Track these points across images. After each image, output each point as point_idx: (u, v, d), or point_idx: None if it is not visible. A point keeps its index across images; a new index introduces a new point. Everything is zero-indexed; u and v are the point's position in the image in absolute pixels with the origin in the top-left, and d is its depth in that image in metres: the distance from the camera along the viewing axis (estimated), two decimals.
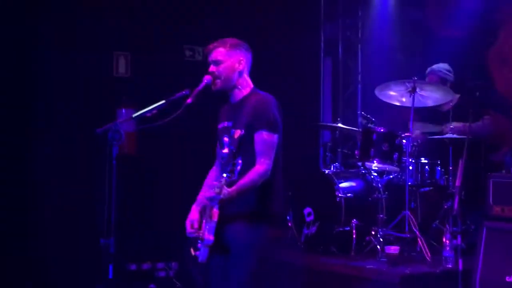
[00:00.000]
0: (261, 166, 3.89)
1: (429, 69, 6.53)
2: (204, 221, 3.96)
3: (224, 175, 3.67)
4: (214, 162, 4.33)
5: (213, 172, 4.29)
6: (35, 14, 6.56)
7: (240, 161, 3.79)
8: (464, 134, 5.38)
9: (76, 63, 6.72)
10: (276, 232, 4.07)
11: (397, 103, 6.18)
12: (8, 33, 6.42)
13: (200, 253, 3.99)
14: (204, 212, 4.01)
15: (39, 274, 6.36)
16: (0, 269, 6.21)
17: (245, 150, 3.87)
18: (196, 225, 4.02)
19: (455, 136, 5.76)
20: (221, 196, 3.64)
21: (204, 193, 4.17)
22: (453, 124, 5.89)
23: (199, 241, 4.01)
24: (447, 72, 6.45)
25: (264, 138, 3.93)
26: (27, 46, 6.54)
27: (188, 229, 4.04)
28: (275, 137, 3.96)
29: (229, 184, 3.73)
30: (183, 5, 7.27)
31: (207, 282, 4.14)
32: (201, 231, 3.95)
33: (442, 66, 6.47)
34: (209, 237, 3.87)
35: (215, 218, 3.86)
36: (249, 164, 3.85)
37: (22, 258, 6.32)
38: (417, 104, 5.90)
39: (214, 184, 3.64)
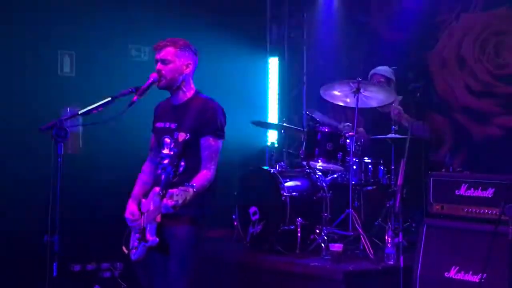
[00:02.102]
0: (209, 172, 4.00)
1: (372, 71, 6.64)
2: (144, 219, 4.02)
3: (190, 189, 3.68)
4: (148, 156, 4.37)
5: (146, 168, 4.35)
6: None
7: (183, 163, 3.95)
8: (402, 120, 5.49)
9: (21, 61, 6.62)
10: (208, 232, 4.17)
11: (341, 104, 6.27)
12: None
13: (136, 252, 4.06)
14: (142, 209, 4.08)
15: None
16: None
17: (188, 153, 4.00)
18: (136, 215, 4.08)
19: (397, 136, 5.87)
20: (179, 204, 3.65)
21: (138, 190, 4.27)
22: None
23: (136, 239, 4.07)
24: (391, 74, 6.57)
25: (211, 144, 4.03)
26: None
27: (130, 218, 4.10)
28: (220, 143, 4.08)
29: (171, 185, 3.82)
30: (130, 4, 7.23)
31: (150, 279, 4.18)
32: (141, 228, 4.01)
33: (385, 68, 6.59)
34: (153, 238, 3.96)
35: (159, 219, 3.96)
36: (191, 166, 3.98)
37: None
38: (361, 105, 6.01)
39: (172, 192, 3.64)
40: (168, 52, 4.09)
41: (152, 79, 4.04)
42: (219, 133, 4.07)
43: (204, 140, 4.03)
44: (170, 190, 3.67)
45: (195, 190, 3.68)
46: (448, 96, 6.68)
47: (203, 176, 3.97)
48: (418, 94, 5.62)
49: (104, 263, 6.95)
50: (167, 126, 4.14)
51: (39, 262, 4.08)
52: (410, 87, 5.86)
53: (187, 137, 3.99)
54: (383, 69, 6.59)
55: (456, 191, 4.84)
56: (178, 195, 3.62)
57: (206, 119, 4.03)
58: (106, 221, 6.80)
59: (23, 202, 6.31)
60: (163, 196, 3.78)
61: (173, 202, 3.63)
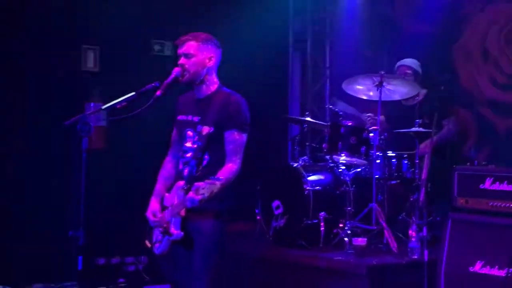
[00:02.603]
0: (234, 165, 3.98)
1: (399, 62, 6.59)
2: (168, 214, 4.00)
3: (218, 180, 3.65)
4: (168, 151, 4.38)
5: (168, 163, 4.34)
6: (5, 7, 6.50)
7: (206, 157, 3.93)
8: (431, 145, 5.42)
9: (45, 57, 6.67)
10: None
11: (364, 97, 6.24)
12: None
13: (160, 245, 4.06)
14: (164, 203, 4.08)
15: (8, 265, 6.32)
16: None
17: (212, 147, 3.97)
18: (158, 215, 4.08)
19: (421, 129, 5.83)
20: (205, 197, 3.63)
21: (160, 185, 4.26)
22: (421, 146, 5.96)
23: (159, 233, 4.07)
24: (418, 67, 6.52)
25: (235, 138, 4.01)
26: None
27: (151, 219, 4.11)
28: (245, 137, 4.05)
29: (195, 179, 3.79)
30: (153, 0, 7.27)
31: (174, 273, 4.19)
32: (165, 224, 3.99)
33: (412, 61, 6.54)
34: (178, 232, 3.94)
35: (183, 214, 3.94)
36: (214, 160, 3.95)
37: None
38: (384, 98, 5.97)
39: (198, 186, 3.61)
40: (191, 46, 4.08)
41: (175, 73, 4.04)
42: (244, 127, 4.05)
43: (228, 134, 4.01)
44: (196, 184, 3.64)
45: (221, 183, 3.66)
46: (473, 89, 6.62)
47: (229, 169, 3.95)
48: (442, 87, 5.57)
49: (128, 257, 7.02)
50: (190, 119, 4.13)
51: (65, 256, 4.12)
52: (434, 81, 5.81)
53: (211, 130, 3.97)
54: (410, 61, 6.54)
55: (481, 185, 4.79)
56: (204, 189, 3.58)
57: (231, 112, 4.02)
58: (130, 215, 6.83)
59: (48, 197, 6.37)
60: (188, 190, 3.76)
61: (199, 196, 3.60)
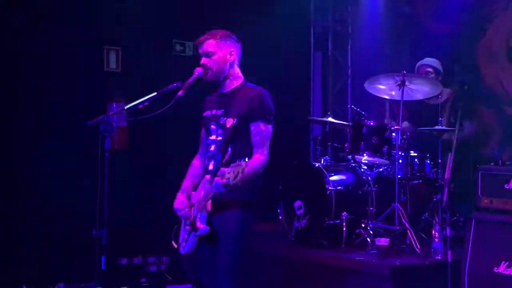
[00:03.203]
0: (261, 156, 3.94)
1: (420, 62, 6.55)
2: (194, 210, 3.97)
3: (244, 161, 3.57)
4: (198, 150, 4.35)
5: (196, 161, 4.32)
6: (26, 10, 6.55)
7: (229, 150, 3.90)
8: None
9: (68, 58, 6.72)
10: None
11: (387, 97, 6.21)
12: (1, 27, 6.43)
13: (186, 244, 4.02)
14: (191, 200, 4.04)
15: (32, 265, 6.36)
16: None
17: (236, 139, 3.95)
18: (185, 204, 4.06)
19: (444, 128, 5.79)
20: (231, 183, 3.57)
21: (187, 182, 4.23)
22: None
23: (186, 231, 4.04)
24: (440, 66, 6.48)
25: (261, 129, 3.98)
26: (17, 41, 6.52)
27: (179, 208, 4.07)
28: (270, 128, 4.02)
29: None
30: (173, 0, 7.28)
31: (197, 273, 4.15)
32: (191, 219, 3.96)
33: (433, 60, 6.50)
34: (204, 226, 3.90)
35: (209, 208, 3.90)
36: (238, 153, 3.88)
37: (15, 249, 6.33)
38: (406, 97, 5.94)
39: (224, 171, 3.56)
40: (210, 44, 4.08)
41: (197, 73, 4.04)
42: (269, 118, 4.01)
43: (254, 126, 3.97)
44: (221, 169, 3.60)
45: (249, 169, 3.60)
46: (497, 88, 6.56)
47: (256, 160, 3.91)
48: (466, 86, 5.52)
49: (151, 256, 7.03)
50: (214, 113, 4.12)
51: (88, 256, 4.13)
52: (457, 80, 5.77)
53: (235, 121, 3.96)
54: (431, 60, 6.50)
55: (505, 185, 4.74)
56: (230, 172, 3.53)
57: (255, 104, 3.98)
58: (152, 215, 6.89)
59: (71, 197, 6.41)
60: (212, 182, 3.75)
61: (224, 180, 3.56)
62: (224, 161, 3.88)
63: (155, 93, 4.00)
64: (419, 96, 6.13)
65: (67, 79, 6.71)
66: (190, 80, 4.02)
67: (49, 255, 6.43)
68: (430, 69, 6.44)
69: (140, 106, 3.97)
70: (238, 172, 3.54)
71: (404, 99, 5.87)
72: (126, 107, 4.00)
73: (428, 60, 6.51)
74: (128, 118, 5.60)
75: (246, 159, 3.58)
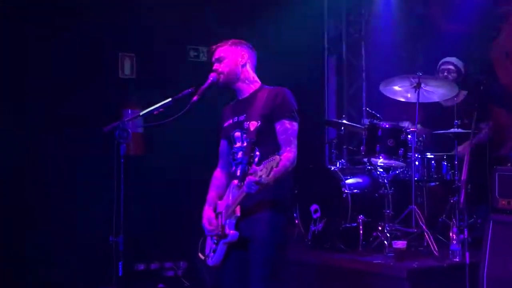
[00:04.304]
0: (289, 153, 3.82)
1: (443, 60, 6.50)
2: (222, 218, 3.89)
3: (277, 156, 3.47)
4: (217, 163, 4.27)
5: (218, 173, 4.22)
6: (43, 16, 6.60)
7: (258, 153, 3.79)
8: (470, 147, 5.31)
9: (82, 64, 6.75)
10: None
11: (402, 99, 6.19)
12: (16, 34, 6.48)
13: (215, 255, 3.91)
14: (217, 210, 3.96)
15: (50, 272, 6.40)
16: (8, 268, 6.25)
17: (262, 142, 3.86)
18: (214, 223, 3.94)
19: (460, 130, 5.76)
20: (264, 181, 3.48)
21: (212, 193, 4.12)
22: (460, 148, 5.89)
23: (213, 241, 3.94)
24: (462, 66, 6.44)
25: (287, 127, 3.89)
26: (32, 48, 6.57)
27: (207, 227, 3.96)
28: (295, 125, 3.93)
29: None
30: (187, 6, 7.30)
31: (218, 282, 4.05)
32: (220, 228, 3.87)
33: (455, 59, 6.45)
34: (233, 232, 3.80)
35: (238, 213, 3.79)
36: (265, 155, 3.70)
37: (32, 256, 6.37)
38: (422, 99, 5.92)
39: (256, 169, 3.47)
40: (221, 50, 4.08)
41: (211, 78, 4.02)
42: (293, 115, 3.92)
43: (279, 125, 3.89)
44: (253, 167, 3.53)
45: (281, 160, 3.49)
46: None
47: (285, 158, 3.77)
48: (482, 87, 5.49)
49: (167, 262, 7.04)
50: (235, 120, 4.05)
51: (105, 262, 4.14)
52: (472, 81, 5.74)
53: (259, 124, 3.88)
54: (454, 59, 6.46)
55: None
56: (262, 170, 3.45)
57: (278, 103, 3.91)
58: (169, 220, 6.91)
59: (88, 203, 6.44)
60: (241, 186, 3.67)
61: (256, 178, 3.47)
62: (253, 164, 3.70)
63: (170, 99, 4.00)
64: (435, 98, 6.10)
65: (82, 86, 6.75)
66: (205, 85, 4.01)
67: (67, 261, 6.46)
68: (451, 67, 6.40)
69: (155, 112, 3.97)
70: (271, 167, 3.45)
71: (420, 101, 5.85)
72: (141, 113, 4.00)
73: (451, 58, 6.47)
74: (144, 124, 5.62)
75: (279, 153, 3.51)
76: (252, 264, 3.83)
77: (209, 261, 3.97)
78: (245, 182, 3.61)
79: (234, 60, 4.05)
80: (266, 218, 3.83)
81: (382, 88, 6.13)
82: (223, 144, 4.19)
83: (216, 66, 4.07)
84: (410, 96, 6.05)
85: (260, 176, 3.46)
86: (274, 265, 3.84)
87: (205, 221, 3.99)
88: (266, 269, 3.81)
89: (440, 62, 6.51)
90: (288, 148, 3.85)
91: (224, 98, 4.28)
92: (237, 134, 3.99)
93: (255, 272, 3.82)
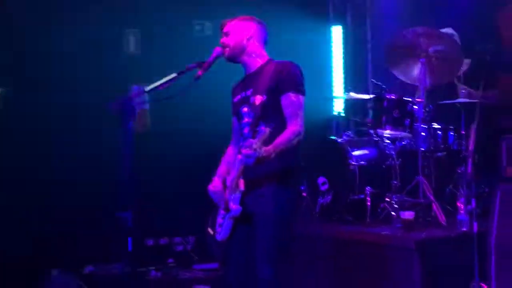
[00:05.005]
0: (295, 127, 3.82)
1: None
2: (227, 192, 3.89)
3: (267, 128, 3.49)
4: (231, 139, 4.29)
5: (230, 149, 4.24)
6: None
7: (262, 128, 3.68)
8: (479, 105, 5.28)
9: (87, 42, 6.74)
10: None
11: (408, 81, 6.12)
12: (18, 16, 6.46)
13: (222, 229, 3.93)
14: (226, 184, 3.96)
15: (60, 249, 6.45)
16: (20, 244, 6.30)
17: (268, 116, 3.82)
18: (219, 187, 3.97)
19: (466, 100, 5.73)
20: (258, 153, 3.49)
21: (222, 168, 4.14)
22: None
23: (221, 216, 3.96)
24: (457, 37, 6.38)
25: (292, 100, 3.87)
26: (36, 28, 6.56)
27: (212, 189, 4.00)
28: (302, 98, 3.91)
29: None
30: None
31: (226, 256, 4.08)
32: (225, 201, 3.89)
33: (446, 31, 6.40)
34: (236, 207, 3.80)
35: (242, 187, 3.79)
36: (272, 129, 3.66)
37: (42, 234, 6.42)
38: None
39: (251, 142, 3.49)
40: (229, 25, 4.09)
41: (216, 53, 4.03)
42: (299, 87, 3.91)
43: (285, 98, 3.87)
44: (248, 140, 3.55)
45: (271, 130, 3.50)
46: None
47: (290, 130, 3.79)
48: (488, 57, 5.45)
49: (176, 237, 7.08)
50: (243, 95, 4.04)
51: (115, 238, 4.17)
52: (478, 49, 5.67)
53: (264, 98, 3.86)
54: (446, 30, 6.39)
55: None
56: (256, 143, 3.45)
57: (283, 76, 3.89)
58: (177, 196, 6.93)
59: (95, 180, 6.46)
60: None
61: (250, 150, 3.47)
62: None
63: (175, 74, 3.99)
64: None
65: (87, 62, 6.74)
66: (210, 59, 4.01)
67: (77, 238, 6.51)
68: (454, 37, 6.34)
69: (161, 88, 3.96)
70: (264, 140, 3.46)
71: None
72: (147, 89, 3.99)
73: (444, 31, 6.40)
74: (150, 99, 5.60)
75: (272, 126, 3.51)
76: (258, 240, 3.84)
77: (217, 236, 3.99)
78: (241, 154, 3.60)
79: (240, 33, 4.05)
80: (270, 193, 3.84)
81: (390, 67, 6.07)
82: (234, 120, 4.19)
83: (223, 39, 4.06)
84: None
85: (255, 149, 3.45)
86: (279, 241, 3.85)
87: (211, 187, 4.03)
88: (271, 244, 3.82)
89: None
90: (294, 122, 3.84)
91: (235, 72, 4.26)
92: (245, 109, 3.99)
93: (260, 247, 3.83)
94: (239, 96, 4.10)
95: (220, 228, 3.96)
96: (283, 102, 3.89)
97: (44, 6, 6.56)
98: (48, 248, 6.43)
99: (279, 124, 3.80)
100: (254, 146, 3.47)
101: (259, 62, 4.08)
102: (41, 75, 6.58)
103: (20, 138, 6.41)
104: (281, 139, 3.73)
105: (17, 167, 6.39)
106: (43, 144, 6.51)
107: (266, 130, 3.48)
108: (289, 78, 3.91)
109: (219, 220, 4.00)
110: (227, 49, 4.04)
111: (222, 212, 3.97)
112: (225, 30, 4.09)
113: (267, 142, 3.53)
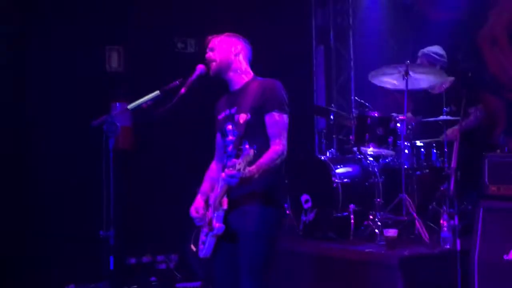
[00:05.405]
0: (278, 147, 3.80)
1: (420, 51, 6.53)
2: (211, 210, 3.88)
3: (251, 149, 3.48)
4: (214, 155, 4.25)
5: (214, 165, 4.22)
6: (27, 11, 6.55)
7: (246, 146, 3.68)
8: (459, 132, 5.30)
9: (69, 59, 6.71)
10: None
11: (389, 86, 6.18)
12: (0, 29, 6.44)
13: (204, 247, 3.91)
14: (209, 202, 3.94)
15: (42, 267, 6.38)
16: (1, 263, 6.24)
17: (252, 134, 3.82)
18: (201, 211, 3.95)
19: (449, 118, 5.77)
20: (242, 174, 3.48)
21: (206, 185, 4.11)
22: (448, 131, 5.91)
23: (204, 233, 3.93)
24: (436, 56, 6.42)
25: (276, 120, 3.86)
26: (19, 44, 6.54)
27: (193, 213, 3.96)
28: (285, 117, 3.90)
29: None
30: None
31: (209, 274, 4.06)
32: (208, 220, 3.87)
33: (433, 49, 6.46)
34: (219, 225, 3.79)
35: (225, 206, 3.79)
36: (254, 148, 3.64)
37: (24, 252, 6.35)
38: (411, 86, 5.91)
39: (234, 162, 3.47)
40: (215, 40, 4.07)
41: (199, 71, 4.00)
42: (283, 107, 3.89)
43: (269, 117, 3.86)
44: (232, 160, 3.53)
45: (255, 152, 3.49)
46: (501, 75, 6.53)
47: (272, 151, 3.78)
48: (470, 74, 5.50)
49: (159, 255, 7.04)
50: (227, 113, 4.02)
51: (96, 257, 4.13)
52: (460, 68, 5.73)
53: (248, 117, 3.85)
54: (430, 50, 6.44)
55: None
56: (240, 163, 3.44)
57: (267, 95, 3.88)
58: (159, 214, 6.90)
59: (77, 198, 6.43)
60: None
61: (234, 171, 3.45)
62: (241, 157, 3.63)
63: (158, 92, 3.97)
64: (424, 85, 6.10)
65: (69, 80, 6.71)
66: (193, 77, 3.98)
67: (58, 256, 6.45)
68: (427, 59, 6.41)
69: (144, 105, 3.94)
70: (248, 161, 3.45)
71: (409, 88, 5.84)
72: (129, 107, 3.97)
73: (428, 50, 6.46)
74: (132, 118, 5.60)
75: (255, 147, 3.50)
76: (241, 257, 3.83)
77: (200, 253, 3.97)
78: (225, 174, 3.58)
79: (227, 49, 4.03)
80: (254, 211, 3.82)
81: (370, 77, 6.13)
82: (218, 136, 4.17)
83: (208, 54, 4.05)
84: (397, 84, 6.04)
85: (238, 170, 3.45)
86: (263, 258, 3.84)
87: (192, 209, 3.99)
88: (255, 262, 3.81)
89: (419, 54, 6.50)
90: (277, 141, 3.83)
91: (215, 89, 4.26)
92: (229, 127, 3.97)
93: (244, 265, 3.82)
94: (223, 114, 4.08)
95: (203, 246, 3.95)
96: (267, 121, 3.88)
97: (25, 24, 6.54)
98: (29, 266, 6.35)
99: (263, 143, 3.81)
100: (238, 166, 3.47)
101: (244, 79, 4.07)
102: (22, 94, 6.54)
103: None
104: (264, 159, 3.72)
105: None
106: (25, 161, 6.47)
107: (250, 152, 3.48)
108: (273, 97, 3.91)
109: (202, 237, 3.98)
110: (213, 63, 4.02)
111: (205, 230, 3.95)
112: (210, 45, 4.07)
113: (251, 162, 3.53)
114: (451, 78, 6.27)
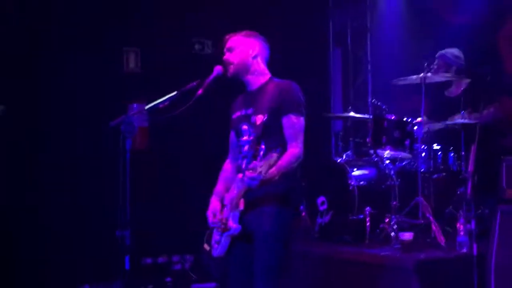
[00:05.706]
0: (295, 149, 3.84)
1: (438, 53, 6.49)
2: (227, 210, 3.89)
3: (276, 153, 3.51)
4: (228, 155, 4.28)
5: (228, 165, 4.24)
6: (45, 13, 6.59)
7: (263, 146, 3.68)
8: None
9: (87, 60, 6.75)
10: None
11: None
12: (18, 32, 6.47)
13: (218, 246, 3.92)
14: (224, 202, 3.95)
15: (55, 267, 6.41)
16: (15, 264, 6.27)
17: (268, 135, 3.82)
18: (218, 215, 3.95)
19: (466, 121, 5.74)
20: (263, 177, 3.49)
21: (220, 186, 4.14)
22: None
23: (218, 233, 3.93)
24: (453, 58, 6.40)
25: (293, 122, 3.88)
26: (37, 45, 6.57)
27: (211, 219, 3.97)
28: (302, 120, 3.92)
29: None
30: None
31: (225, 275, 4.07)
32: (224, 221, 3.87)
33: (450, 51, 6.42)
34: (236, 226, 3.80)
35: (242, 207, 3.80)
36: (271, 149, 3.67)
37: (39, 252, 6.38)
38: (429, 80, 5.87)
39: (255, 164, 3.48)
40: (233, 40, 4.06)
41: (216, 72, 4.01)
42: (300, 109, 3.91)
43: (286, 119, 3.88)
44: (253, 162, 3.52)
45: (279, 158, 3.53)
46: None
47: (290, 154, 3.80)
48: (489, 77, 5.46)
49: (175, 255, 7.05)
50: (243, 113, 4.03)
51: (112, 257, 4.14)
52: (479, 71, 5.70)
53: (265, 118, 3.85)
54: (448, 52, 6.41)
55: None
56: (262, 166, 3.45)
57: (285, 97, 3.90)
58: (175, 214, 6.91)
59: (94, 198, 6.45)
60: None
61: (255, 173, 3.45)
62: (258, 158, 3.63)
63: (175, 93, 3.98)
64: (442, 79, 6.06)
65: (87, 81, 6.74)
66: (210, 78, 4.00)
67: (74, 256, 6.47)
68: (444, 60, 6.37)
69: (161, 106, 3.95)
70: (270, 165, 3.47)
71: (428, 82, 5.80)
72: (146, 107, 3.99)
73: (446, 51, 6.43)
74: (149, 118, 5.62)
75: (279, 151, 3.53)
76: (256, 257, 3.84)
77: (213, 252, 3.98)
78: (245, 176, 3.59)
79: (245, 51, 4.03)
80: (271, 212, 3.83)
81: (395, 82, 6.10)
82: (232, 135, 4.19)
83: (226, 55, 4.05)
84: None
85: (260, 172, 3.46)
86: (278, 259, 3.85)
87: (209, 213, 4.01)
88: (269, 263, 3.83)
89: (437, 55, 6.46)
90: (294, 144, 3.85)
91: (230, 92, 4.26)
92: (245, 127, 3.97)
93: (259, 265, 3.83)
94: (238, 113, 4.09)
95: (217, 245, 3.95)
96: (284, 123, 3.90)
97: (43, 26, 6.58)
98: (44, 266, 6.38)
99: (280, 145, 3.81)
100: (259, 169, 3.47)
101: (261, 80, 4.07)
102: (40, 95, 6.57)
103: (15, 157, 6.38)
104: (283, 161, 3.74)
105: (14, 185, 6.36)
106: (43, 162, 6.50)
107: (273, 156, 3.50)
108: (290, 99, 3.92)
109: (216, 237, 3.99)
110: (231, 66, 4.02)
111: (219, 229, 3.95)
112: (228, 45, 4.06)
113: (272, 166, 3.55)
114: (467, 80, 6.23)
